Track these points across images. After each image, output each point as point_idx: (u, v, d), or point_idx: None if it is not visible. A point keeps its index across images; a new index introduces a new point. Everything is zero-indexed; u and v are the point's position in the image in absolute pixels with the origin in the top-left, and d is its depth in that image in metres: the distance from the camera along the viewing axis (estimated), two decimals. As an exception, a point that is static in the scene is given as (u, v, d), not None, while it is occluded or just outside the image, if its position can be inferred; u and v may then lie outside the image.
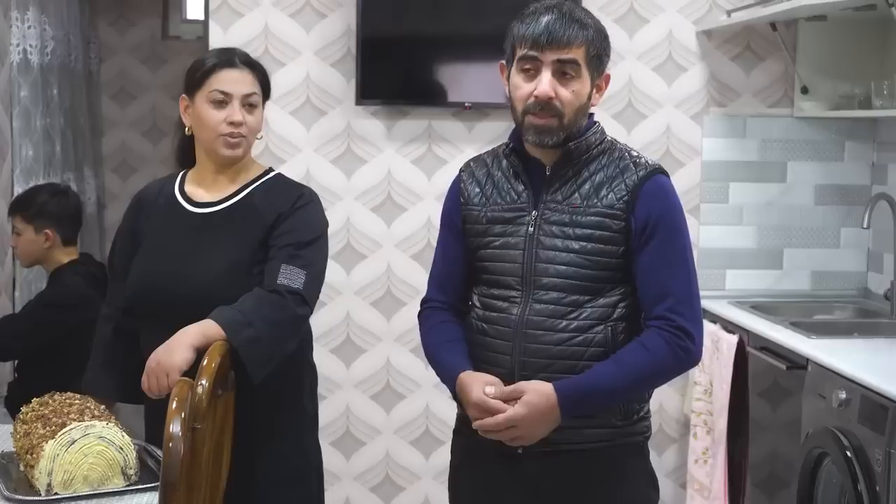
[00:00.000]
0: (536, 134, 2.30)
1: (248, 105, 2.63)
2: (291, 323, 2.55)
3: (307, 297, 2.57)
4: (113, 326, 2.76)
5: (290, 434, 2.70)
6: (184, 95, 2.68)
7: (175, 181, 2.76)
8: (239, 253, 2.59)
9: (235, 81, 2.62)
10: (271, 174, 2.75)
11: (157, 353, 2.43)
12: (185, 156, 2.76)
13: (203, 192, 2.70)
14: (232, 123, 2.61)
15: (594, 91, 2.34)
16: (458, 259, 2.47)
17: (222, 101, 2.61)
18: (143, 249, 2.69)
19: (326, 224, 2.72)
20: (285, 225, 2.61)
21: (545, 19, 2.28)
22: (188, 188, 2.73)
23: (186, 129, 2.70)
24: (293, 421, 2.71)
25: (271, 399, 2.61)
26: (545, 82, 2.26)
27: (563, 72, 2.27)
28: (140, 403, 2.70)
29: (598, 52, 2.31)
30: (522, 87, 2.30)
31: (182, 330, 2.43)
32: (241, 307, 2.48)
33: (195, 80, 2.65)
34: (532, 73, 2.29)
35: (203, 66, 2.65)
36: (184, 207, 2.69)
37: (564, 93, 2.27)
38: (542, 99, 2.26)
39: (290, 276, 2.54)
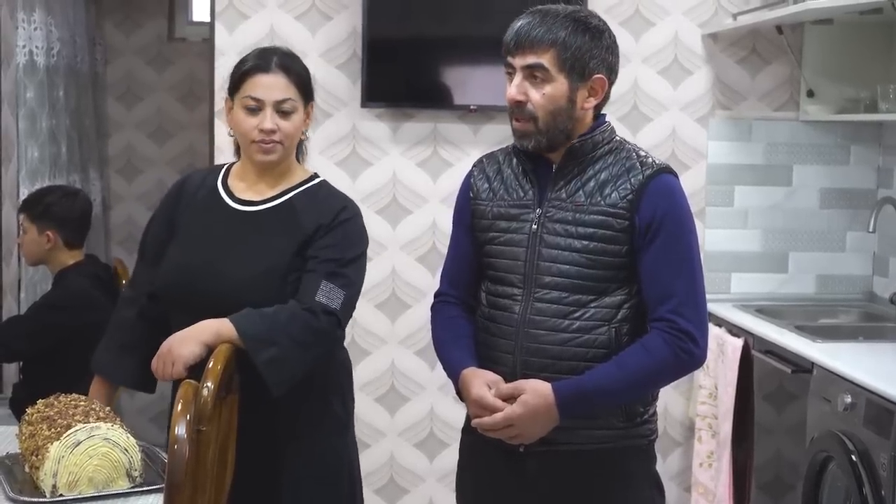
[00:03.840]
0: (517, 138, 2.35)
1: (282, 111, 2.56)
2: (322, 345, 2.52)
3: (343, 319, 2.53)
4: (136, 311, 2.70)
5: (316, 436, 2.64)
6: (227, 97, 2.63)
7: (219, 174, 2.71)
8: (276, 258, 2.54)
9: (268, 87, 2.55)
10: (315, 181, 2.68)
11: (173, 338, 2.45)
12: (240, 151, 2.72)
13: (245, 188, 2.65)
14: (263, 131, 2.55)
15: (586, 95, 2.33)
16: (469, 254, 2.48)
17: (255, 108, 2.55)
18: (179, 240, 2.64)
19: (367, 241, 2.66)
20: (327, 238, 2.56)
21: (518, 24, 2.32)
22: (231, 182, 2.67)
23: (228, 130, 2.66)
24: (320, 423, 2.64)
25: (297, 401, 2.56)
26: (513, 87, 2.31)
27: (532, 75, 2.29)
28: (149, 392, 2.69)
29: (577, 55, 2.28)
30: (506, 92, 2.34)
31: (202, 322, 2.43)
32: (272, 319, 2.44)
33: (233, 82, 2.61)
34: (511, 77, 2.34)
35: (240, 68, 2.60)
36: (225, 202, 2.64)
37: (535, 95, 2.29)
38: (511, 103, 2.31)
39: (329, 295, 2.49)
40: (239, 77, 2.59)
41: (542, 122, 2.30)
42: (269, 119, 2.55)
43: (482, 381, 2.30)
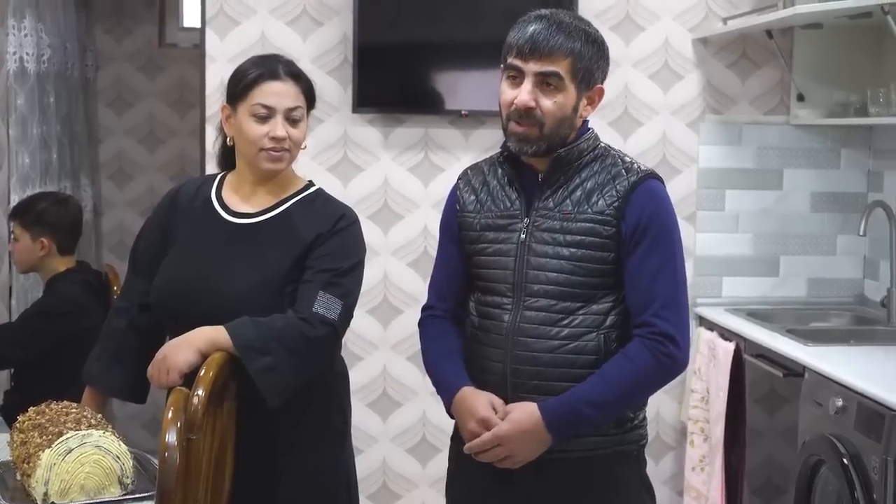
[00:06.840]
0: (517, 142, 2.32)
1: (292, 119, 2.54)
2: (318, 356, 2.50)
3: (340, 330, 2.52)
4: (127, 321, 2.68)
5: (315, 450, 2.61)
6: (225, 105, 2.59)
7: (212, 185, 2.67)
8: (272, 270, 2.51)
9: (279, 94, 2.53)
10: (312, 189, 2.66)
11: (168, 346, 2.44)
12: (227, 161, 2.69)
13: (240, 200, 2.62)
14: (274, 138, 2.52)
15: (585, 103, 2.34)
16: (456, 266, 2.48)
17: (265, 116, 2.52)
18: (174, 254, 2.62)
19: (365, 249, 2.64)
20: (325, 247, 2.53)
21: (531, 29, 2.29)
22: (226, 194, 2.64)
23: (228, 139, 2.62)
24: (319, 436, 2.62)
25: (295, 414, 2.54)
26: (525, 92, 2.28)
27: (545, 83, 2.28)
28: (140, 402, 2.68)
29: (588, 65, 2.30)
30: (506, 94, 2.32)
31: (197, 329, 2.41)
32: (267, 328, 2.42)
33: (237, 91, 2.55)
34: (517, 81, 2.30)
35: (246, 77, 2.54)
36: (219, 214, 2.61)
37: (546, 103, 2.28)
38: (521, 108, 2.28)
39: (327, 306, 2.47)
40: (247, 84, 2.54)
41: (547, 128, 2.29)
42: (280, 127, 2.52)
43: (487, 403, 2.30)
